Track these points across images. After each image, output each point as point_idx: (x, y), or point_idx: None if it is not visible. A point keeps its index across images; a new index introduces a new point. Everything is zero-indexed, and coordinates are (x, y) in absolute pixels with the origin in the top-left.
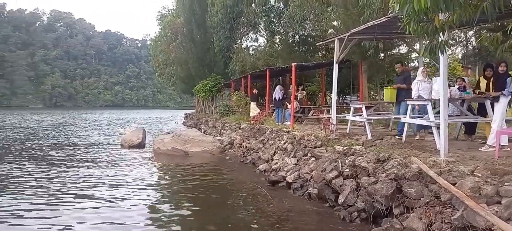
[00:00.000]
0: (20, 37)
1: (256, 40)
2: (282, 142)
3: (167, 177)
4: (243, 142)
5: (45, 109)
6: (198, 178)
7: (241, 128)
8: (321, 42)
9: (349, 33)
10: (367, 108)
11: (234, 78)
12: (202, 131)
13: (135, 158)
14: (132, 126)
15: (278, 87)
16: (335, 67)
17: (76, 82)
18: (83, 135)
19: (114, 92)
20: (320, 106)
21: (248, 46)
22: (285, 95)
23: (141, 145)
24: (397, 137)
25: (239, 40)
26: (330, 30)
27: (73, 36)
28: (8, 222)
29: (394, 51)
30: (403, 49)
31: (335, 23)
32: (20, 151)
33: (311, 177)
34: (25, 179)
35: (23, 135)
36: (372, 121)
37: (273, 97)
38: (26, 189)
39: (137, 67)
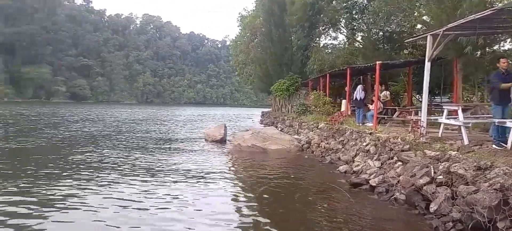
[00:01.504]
0: (117, 40)
1: (335, 38)
2: (364, 144)
3: (247, 173)
4: (322, 141)
5: (138, 105)
6: (277, 176)
7: (319, 127)
8: (410, 39)
9: (444, 28)
10: (464, 110)
11: (312, 77)
12: (279, 129)
13: (218, 152)
14: (213, 122)
15: (359, 86)
16: (427, 65)
17: (163, 81)
18: (170, 129)
19: (196, 90)
20: (406, 107)
21: (327, 44)
22: (366, 95)
23: (222, 140)
24: (493, 144)
25: (318, 39)
26: (419, 26)
27: (161, 38)
28: (107, 196)
29: (495, 48)
30: (507, 45)
31: (425, 17)
32: (115, 141)
33: (398, 181)
34: (119, 167)
35: (118, 127)
36: (470, 125)
37: (354, 97)
38: (120, 177)
39: (217, 66)
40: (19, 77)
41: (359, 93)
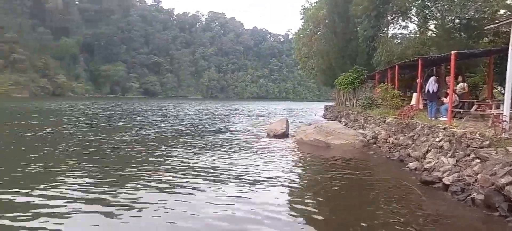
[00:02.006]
0: (184, 37)
1: (405, 27)
2: (437, 139)
3: (309, 168)
4: (389, 137)
5: (203, 100)
6: (341, 172)
7: (386, 122)
8: (491, 26)
9: None
10: None
11: (379, 70)
12: (343, 124)
13: (279, 146)
14: (275, 117)
15: (432, 78)
16: (511, 54)
17: (227, 76)
18: (233, 123)
19: (259, 85)
20: (486, 100)
21: (396, 34)
22: (440, 88)
23: (284, 135)
24: None
25: (386, 29)
26: (502, 11)
27: (225, 34)
28: (175, 197)
29: None
30: None
31: (509, 1)
32: (181, 135)
33: (476, 180)
34: (183, 161)
35: (184, 122)
36: None
37: (426, 90)
38: (183, 169)
39: (279, 61)
40: (98, 75)
41: (431, 85)
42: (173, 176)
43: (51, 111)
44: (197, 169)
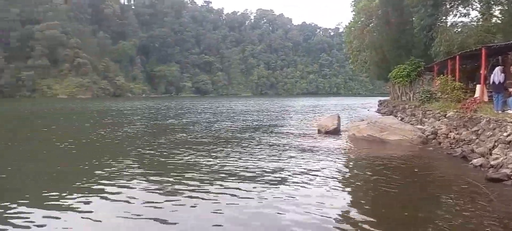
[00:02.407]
0: (234, 36)
1: (466, 15)
2: (505, 134)
3: (364, 166)
4: (450, 132)
5: (253, 97)
6: (399, 169)
7: (447, 116)
8: None
9: None
10: None
11: (438, 61)
12: (399, 118)
13: (331, 143)
14: (326, 112)
15: (497, 68)
16: None
17: (276, 73)
18: (283, 120)
19: (308, 81)
20: None
21: (456, 22)
22: (506, 78)
23: (336, 131)
24: None
25: (445, 17)
26: None
27: (274, 31)
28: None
29: None
30: None
31: None
32: (231, 133)
33: None
34: (232, 161)
35: (234, 119)
36: None
37: (491, 81)
38: (233, 169)
39: (330, 55)
40: (153, 76)
41: (497, 76)
42: (223, 177)
43: (121, 112)
44: (247, 169)
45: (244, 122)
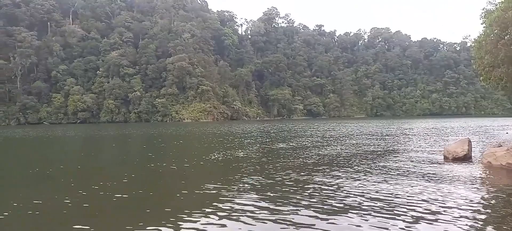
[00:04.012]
0: (346, 57)
1: None
2: None
3: (503, 202)
4: None
5: (367, 119)
6: None
7: None
8: None
9: None
10: None
11: None
12: None
13: (461, 172)
14: (453, 136)
15: None
16: None
17: (394, 93)
18: (403, 144)
19: (431, 101)
20: None
21: None
22: None
23: (466, 158)
24: None
25: None
26: None
27: (390, 49)
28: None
29: None
30: None
31: None
32: (343, 158)
33: None
34: (346, 188)
35: (347, 143)
36: None
37: None
38: (346, 197)
39: (456, 72)
40: (267, 99)
41: None
42: (336, 208)
43: (236, 134)
44: (361, 200)
45: (358, 147)
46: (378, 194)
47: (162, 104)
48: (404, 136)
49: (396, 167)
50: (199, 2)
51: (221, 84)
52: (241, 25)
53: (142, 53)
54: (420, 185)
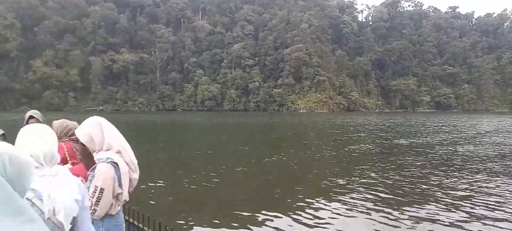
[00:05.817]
0: (487, 42)
1: None
2: None
3: None
4: None
5: (510, 114)
6: None
7: None
8: None
9: None
10: None
11: None
12: None
13: None
14: None
15: None
16: None
17: None
18: None
19: None
20: None
21: None
22: None
23: None
24: None
25: None
26: None
27: None
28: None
29: None
30: None
31: None
32: (479, 160)
33: None
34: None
35: (481, 141)
36: None
37: None
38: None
39: None
40: (388, 90)
41: None
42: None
43: (351, 127)
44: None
45: (495, 146)
46: None
47: (278, 94)
48: None
49: None
50: None
51: (338, 74)
52: (362, 11)
53: (262, 45)
54: None
